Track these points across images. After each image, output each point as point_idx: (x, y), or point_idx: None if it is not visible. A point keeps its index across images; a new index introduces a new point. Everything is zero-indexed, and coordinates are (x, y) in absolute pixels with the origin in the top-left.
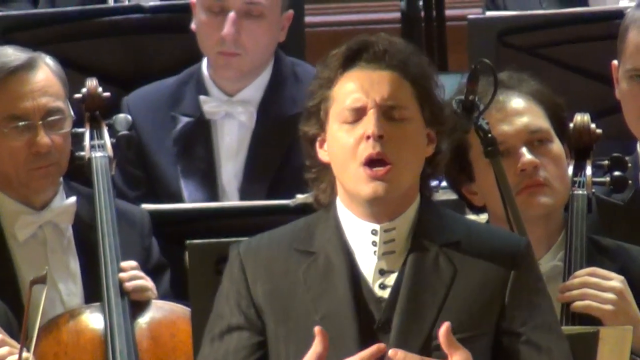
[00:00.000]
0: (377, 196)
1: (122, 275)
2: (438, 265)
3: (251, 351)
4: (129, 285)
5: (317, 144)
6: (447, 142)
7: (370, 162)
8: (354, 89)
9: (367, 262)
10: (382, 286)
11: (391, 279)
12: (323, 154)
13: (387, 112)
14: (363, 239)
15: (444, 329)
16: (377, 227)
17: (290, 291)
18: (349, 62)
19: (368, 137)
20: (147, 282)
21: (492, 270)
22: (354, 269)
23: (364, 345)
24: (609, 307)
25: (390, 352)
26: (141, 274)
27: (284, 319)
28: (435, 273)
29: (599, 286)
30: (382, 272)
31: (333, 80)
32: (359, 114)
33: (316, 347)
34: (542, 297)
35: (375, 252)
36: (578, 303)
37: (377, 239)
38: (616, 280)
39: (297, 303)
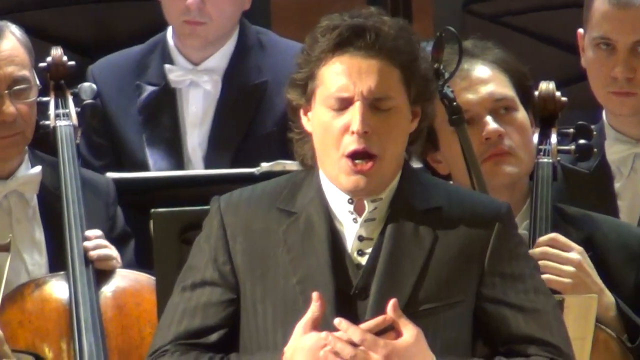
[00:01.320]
0: (357, 189)
1: (86, 244)
2: (418, 232)
3: (221, 308)
4: (93, 253)
5: (302, 112)
6: (431, 111)
7: (354, 156)
8: (342, 78)
9: (347, 227)
10: (360, 253)
11: (369, 245)
12: (307, 124)
13: (374, 104)
14: (342, 206)
15: (390, 305)
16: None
17: (269, 250)
18: (339, 46)
19: (353, 132)
20: (112, 251)
21: (472, 236)
22: (334, 234)
23: (340, 310)
24: (567, 280)
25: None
26: (106, 242)
27: (261, 278)
28: (415, 240)
29: (558, 258)
30: (361, 239)
31: (322, 60)
32: (344, 103)
33: (314, 312)
34: (524, 261)
35: (354, 219)
36: None
37: (352, 208)
38: (575, 252)
39: (276, 263)
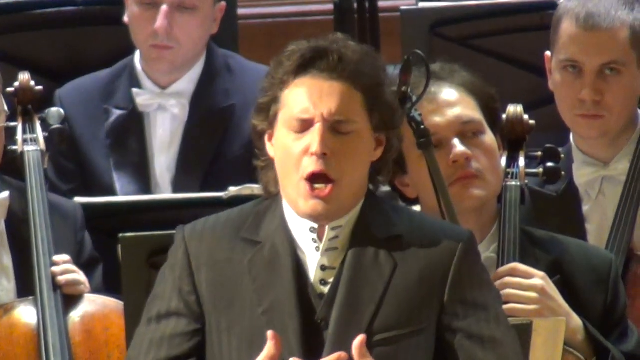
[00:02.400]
0: (315, 215)
1: (54, 269)
2: (378, 260)
3: (187, 339)
4: (61, 279)
5: (266, 137)
6: (397, 142)
7: (313, 178)
8: (304, 99)
9: (310, 256)
10: (323, 282)
11: (331, 275)
12: (271, 149)
13: (334, 126)
14: (305, 235)
15: (357, 342)
16: (316, 225)
17: (234, 280)
18: (302, 68)
19: (312, 154)
20: (80, 275)
21: (432, 264)
22: (299, 263)
23: (305, 340)
24: (532, 307)
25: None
26: (74, 267)
27: (226, 309)
28: (374, 268)
29: (520, 286)
30: (323, 268)
31: (285, 82)
32: (305, 125)
33: (269, 350)
34: (486, 289)
35: (317, 247)
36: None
37: (316, 236)
38: (537, 278)
39: (241, 293)
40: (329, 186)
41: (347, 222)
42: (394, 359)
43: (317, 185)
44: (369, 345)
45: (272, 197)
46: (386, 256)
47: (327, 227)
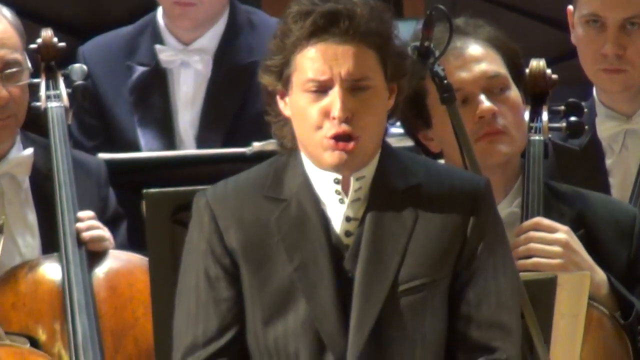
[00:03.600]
0: (341, 164)
1: (79, 225)
2: (399, 212)
3: (232, 302)
4: (86, 235)
5: (278, 96)
6: (407, 85)
7: (336, 137)
8: (319, 62)
9: (334, 209)
10: (348, 234)
11: (355, 227)
12: (284, 107)
13: (352, 86)
14: (328, 188)
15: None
16: (339, 176)
17: (263, 240)
18: (314, 34)
19: (334, 118)
20: (104, 232)
21: (453, 211)
22: (325, 217)
23: (338, 295)
24: (556, 261)
25: None
26: (98, 223)
27: (257, 268)
28: (396, 220)
29: (544, 240)
30: (348, 219)
31: (297, 47)
32: (323, 86)
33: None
34: (499, 238)
35: (341, 200)
36: (526, 261)
37: (339, 187)
38: (561, 232)
39: (271, 252)
40: (353, 142)
41: (367, 172)
42: (420, 308)
43: (341, 142)
44: (395, 295)
45: (289, 153)
46: (407, 207)
47: (351, 178)
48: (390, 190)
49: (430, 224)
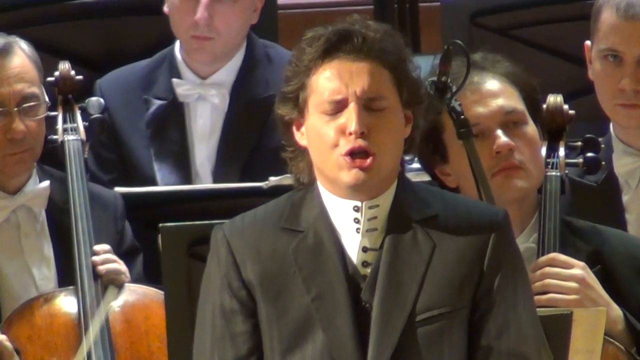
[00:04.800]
0: (358, 184)
1: (95, 258)
2: (416, 241)
3: (247, 336)
4: (102, 268)
5: (294, 127)
6: (422, 117)
7: (353, 153)
8: (334, 81)
9: (351, 239)
10: (365, 264)
11: (373, 257)
12: (300, 138)
13: (368, 104)
14: (346, 217)
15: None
16: (359, 204)
17: (280, 271)
18: (328, 52)
19: (350, 134)
20: (120, 265)
21: (470, 242)
22: (341, 248)
23: (356, 324)
24: (572, 296)
25: None
26: (114, 257)
27: (274, 300)
28: (414, 249)
29: (560, 276)
30: (365, 250)
31: (312, 68)
32: (339, 106)
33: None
34: (520, 268)
35: (358, 229)
36: (541, 297)
37: (359, 215)
38: (577, 268)
39: (288, 283)
40: (370, 158)
41: (383, 201)
42: (438, 338)
43: (357, 159)
44: (413, 325)
45: (305, 187)
46: (424, 237)
47: (363, 205)
48: (407, 220)
49: (448, 254)
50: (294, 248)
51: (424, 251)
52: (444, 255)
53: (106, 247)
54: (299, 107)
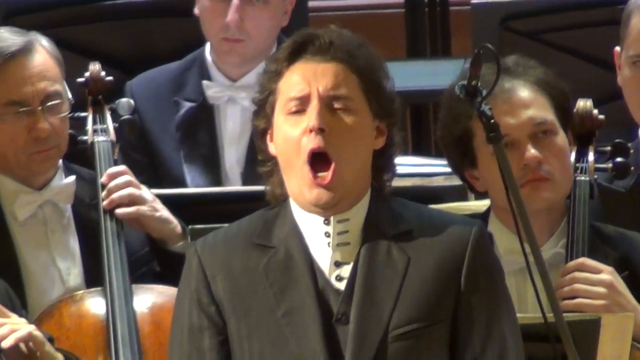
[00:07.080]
0: (320, 204)
1: (110, 185)
2: (391, 256)
3: (215, 353)
4: (115, 196)
5: (267, 138)
6: (399, 135)
7: (313, 161)
8: (298, 80)
9: (323, 254)
10: (339, 278)
11: (346, 271)
12: (272, 148)
13: (331, 103)
14: (316, 231)
15: None
16: (328, 218)
17: (250, 287)
18: (294, 55)
19: (311, 131)
20: (135, 189)
21: (446, 255)
22: (313, 263)
23: (327, 338)
24: (600, 302)
25: None
26: (129, 178)
27: (245, 316)
28: (388, 264)
29: (588, 281)
30: (337, 264)
31: (280, 73)
32: (302, 103)
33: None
34: (497, 279)
35: (329, 243)
36: (569, 302)
37: (330, 229)
38: (605, 273)
39: (259, 299)
40: (330, 172)
41: (354, 215)
42: (415, 352)
43: (319, 174)
44: (389, 340)
45: (279, 204)
46: (399, 251)
47: (332, 220)
48: (382, 235)
49: (424, 269)
50: (264, 264)
51: (399, 265)
52: (419, 269)
53: (122, 167)
54: (268, 114)
